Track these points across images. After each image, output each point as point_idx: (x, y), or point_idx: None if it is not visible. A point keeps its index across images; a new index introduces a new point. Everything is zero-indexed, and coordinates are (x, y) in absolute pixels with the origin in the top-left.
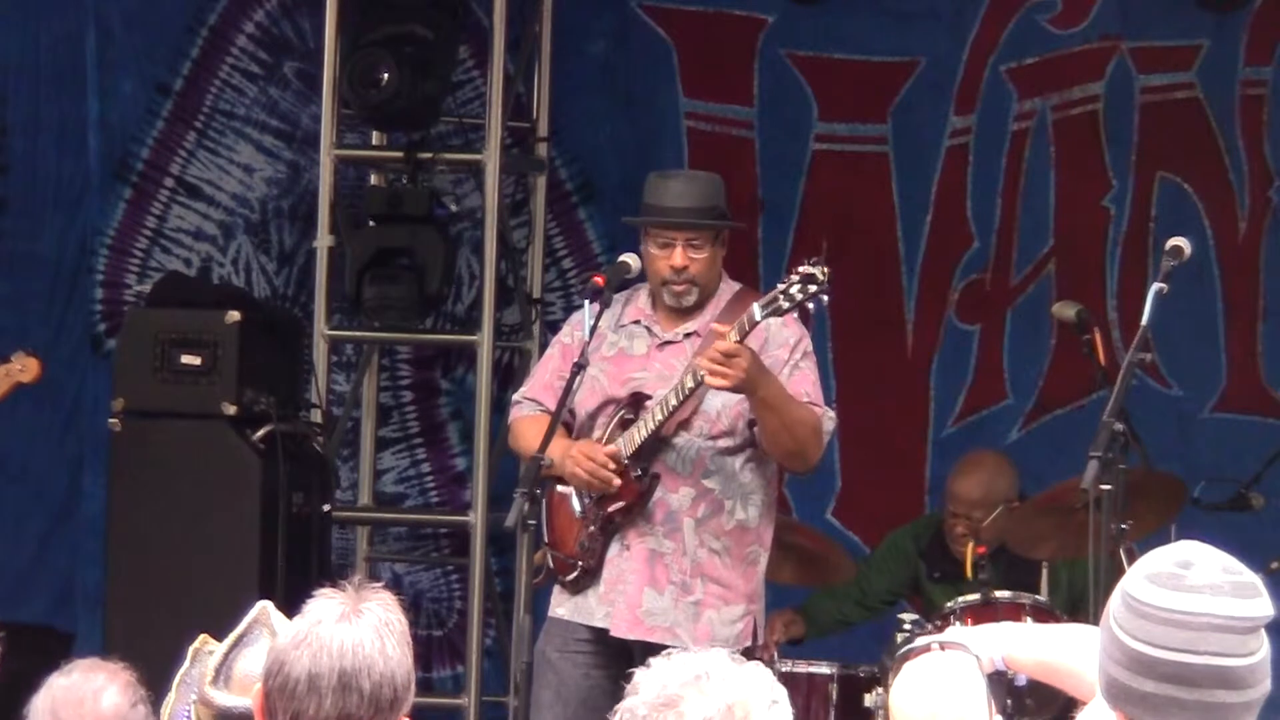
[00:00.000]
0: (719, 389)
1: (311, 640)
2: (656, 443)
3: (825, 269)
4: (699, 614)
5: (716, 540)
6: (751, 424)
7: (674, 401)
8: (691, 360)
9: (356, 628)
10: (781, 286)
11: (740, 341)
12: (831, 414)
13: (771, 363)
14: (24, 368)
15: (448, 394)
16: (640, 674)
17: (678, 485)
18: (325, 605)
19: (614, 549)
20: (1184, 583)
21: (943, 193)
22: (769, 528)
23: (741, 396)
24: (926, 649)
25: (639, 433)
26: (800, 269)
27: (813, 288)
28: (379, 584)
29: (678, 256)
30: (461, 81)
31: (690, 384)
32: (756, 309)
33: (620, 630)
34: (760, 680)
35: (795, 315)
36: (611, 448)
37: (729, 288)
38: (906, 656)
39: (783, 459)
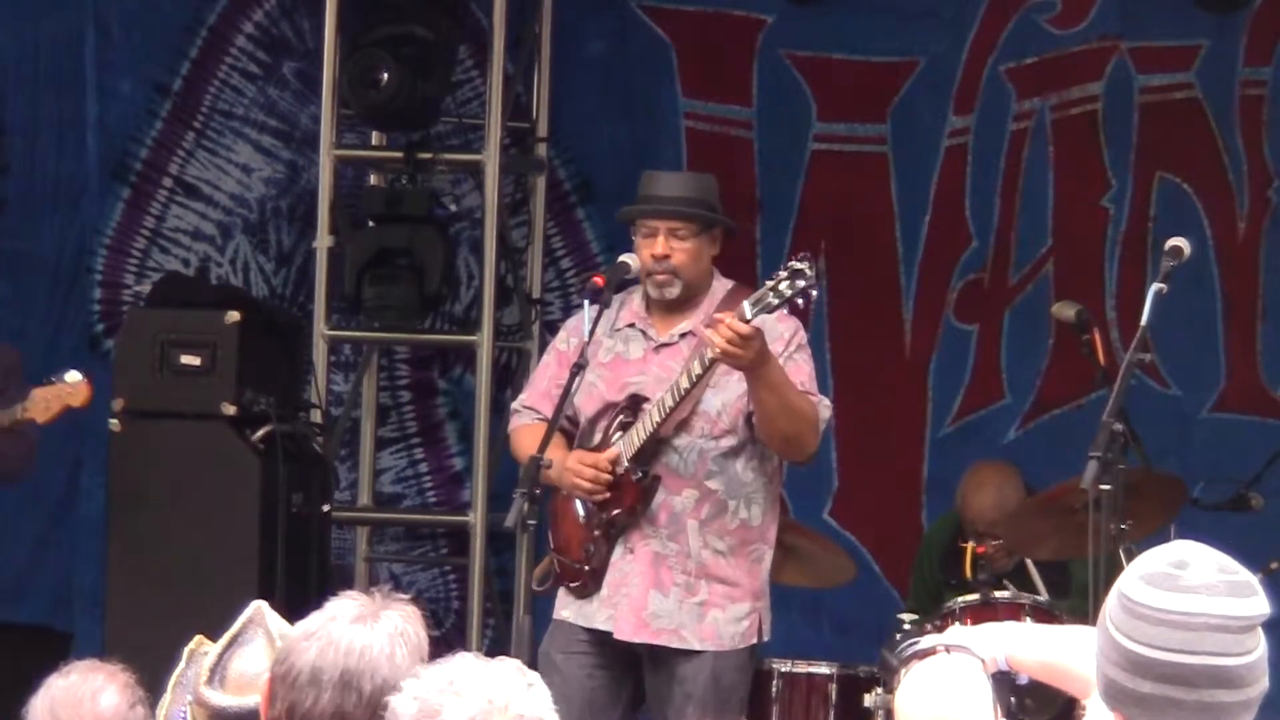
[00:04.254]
0: (729, 365)
1: (321, 635)
2: (657, 444)
3: (812, 264)
4: (704, 614)
5: (720, 540)
6: (750, 419)
7: (670, 402)
8: (689, 359)
9: (370, 631)
10: (770, 283)
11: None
12: (827, 403)
13: None
14: (74, 391)
15: (445, 394)
16: (393, 700)
17: (681, 487)
18: (344, 604)
19: (618, 552)
20: (1179, 583)
21: (941, 193)
22: (773, 526)
23: (740, 394)
24: (932, 651)
25: (638, 435)
26: (788, 265)
27: (801, 283)
28: (406, 596)
29: (659, 245)
30: (461, 81)
31: (686, 384)
32: (746, 306)
33: (624, 634)
34: (510, 670)
35: (787, 310)
36: (611, 451)
37: (722, 285)
38: (912, 659)
39: (780, 446)
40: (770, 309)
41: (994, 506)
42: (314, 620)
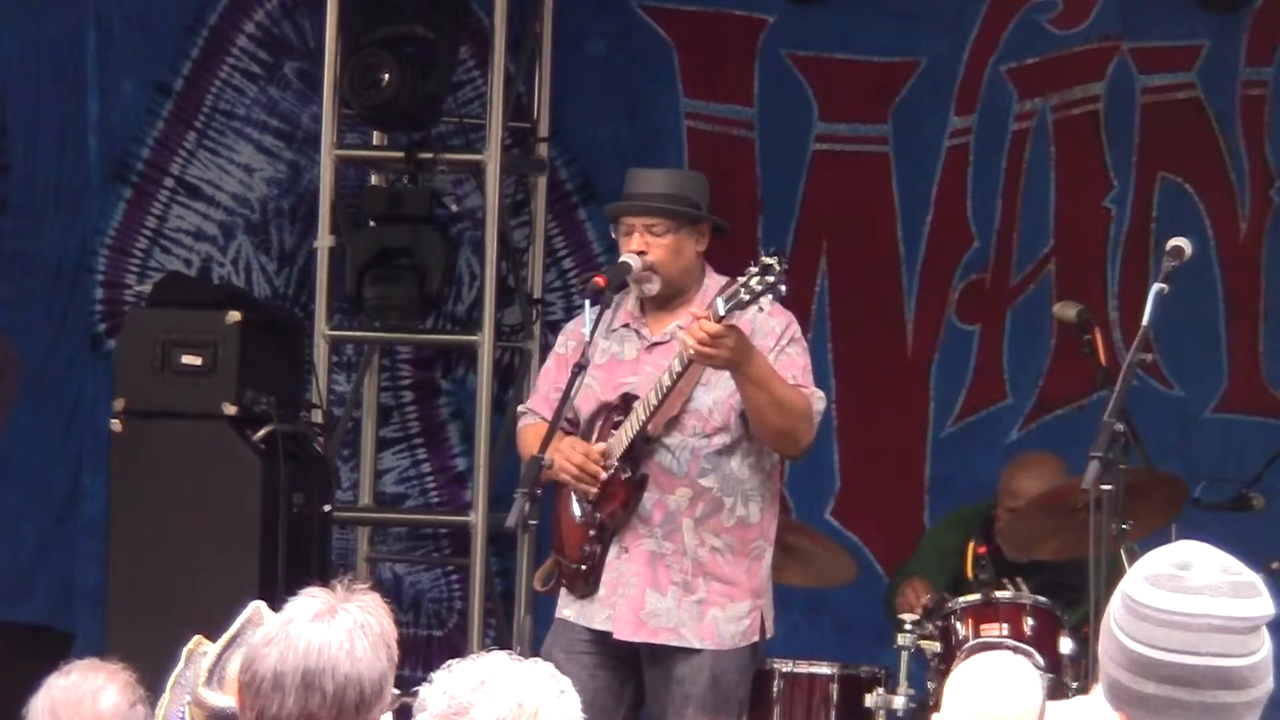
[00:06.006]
0: (705, 364)
1: (280, 639)
2: (646, 443)
3: (782, 259)
4: (703, 613)
5: (717, 538)
6: (744, 415)
7: (654, 401)
8: (673, 358)
9: (328, 628)
10: (741, 280)
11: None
12: (821, 395)
13: None
14: None
15: (448, 394)
16: (424, 690)
17: (674, 486)
18: (303, 604)
19: (613, 552)
20: (1183, 584)
21: (943, 193)
22: (772, 522)
23: (732, 391)
24: (999, 645)
25: (625, 434)
26: (759, 261)
27: (770, 278)
28: (367, 585)
29: (635, 241)
30: (462, 81)
31: (668, 381)
32: (719, 304)
33: (624, 633)
34: (543, 674)
35: (776, 302)
36: (600, 445)
37: (715, 283)
38: (975, 650)
39: (774, 441)
40: (742, 305)
41: (1040, 483)
42: (273, 623)
